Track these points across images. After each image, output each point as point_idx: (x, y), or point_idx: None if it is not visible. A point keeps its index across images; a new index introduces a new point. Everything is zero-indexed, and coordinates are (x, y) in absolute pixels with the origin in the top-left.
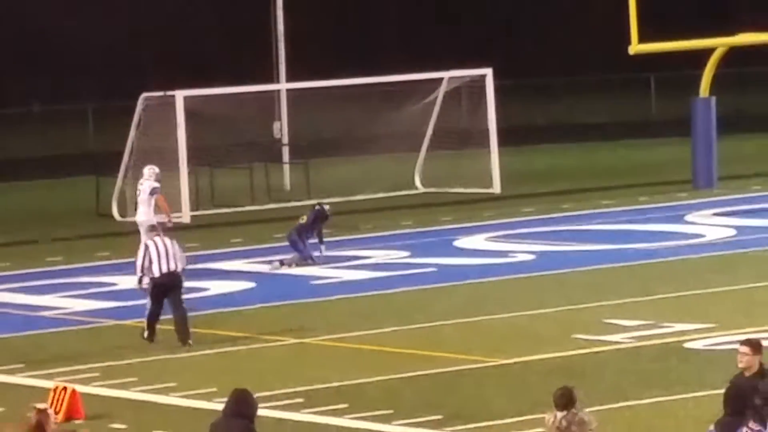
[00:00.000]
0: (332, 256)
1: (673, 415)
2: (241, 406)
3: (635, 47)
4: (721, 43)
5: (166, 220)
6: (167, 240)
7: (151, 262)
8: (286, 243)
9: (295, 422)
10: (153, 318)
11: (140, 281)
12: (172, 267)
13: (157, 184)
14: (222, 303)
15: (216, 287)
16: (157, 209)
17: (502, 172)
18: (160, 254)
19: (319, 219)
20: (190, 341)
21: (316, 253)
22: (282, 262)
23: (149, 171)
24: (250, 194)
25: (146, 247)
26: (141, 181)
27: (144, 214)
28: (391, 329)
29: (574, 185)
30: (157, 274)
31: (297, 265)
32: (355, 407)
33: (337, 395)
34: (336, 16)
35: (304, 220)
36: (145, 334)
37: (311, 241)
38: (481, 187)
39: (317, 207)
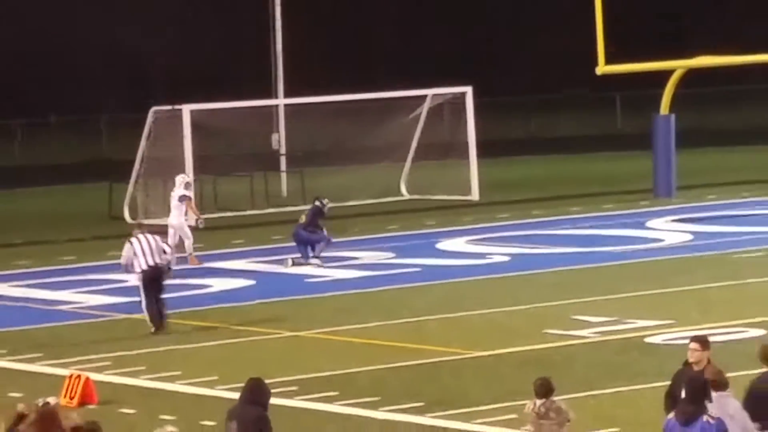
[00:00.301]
0: (324, 257)
1: (634, 404)
2: (256, 394)
3: (602, 68)
4: (679, 65)
5: (196, 220)
6: (150, 237)
7: (136, 256)
8: (282, 245)
9: (290, 408)
10: (149, 309)
11: (127, 270)
12: (157, 261)
13: (186, 192)
14: (224, 299)
15: (219, 284)
16: (188, 212)
17: (480, 181)
18: (145, 251)
19: (317, 215)
20: (157, 330)
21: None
22: (317, 257)
23: (180, 179)
24: (250, 200)
25: (131, 243)
26: (174, 188)
27: (175, 218)
28: (378, 324)
29: (546, 193)
30: (144, 267)
31: (322, 252)
32: (344, 394)
33: (328, 383)
34: (331, 36)
35: (303, 219)
36: (152, 329)
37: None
38: (461, 195)
39: (316, 203)
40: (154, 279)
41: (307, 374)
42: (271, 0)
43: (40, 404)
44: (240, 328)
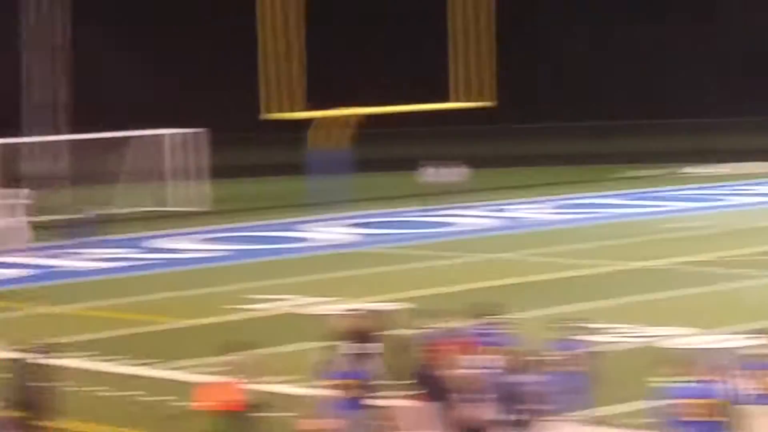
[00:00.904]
0: (81, 252)
1: (296, 359)
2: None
3: (265, 115)
4: (321, 114)
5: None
6: None
7: None
8: (49, 243)
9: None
10: None
11: None
12: None
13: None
14: (4, 283)
15: (7, 274)
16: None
17: (211, 196)
18: None
19: (81, 221)
20: None
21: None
22: (85, 249)
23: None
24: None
25: None
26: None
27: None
28: (127, 300)
29: (263, 205)
30: None
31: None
32: (104, 354)
33: (91, 346)
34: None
35: (73, 223)
36: None
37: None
38: (197, 207)
39: (82, 214)
40: None
41: (68, 338)
42: (25, 60)
43: None
44: (14, 305)
